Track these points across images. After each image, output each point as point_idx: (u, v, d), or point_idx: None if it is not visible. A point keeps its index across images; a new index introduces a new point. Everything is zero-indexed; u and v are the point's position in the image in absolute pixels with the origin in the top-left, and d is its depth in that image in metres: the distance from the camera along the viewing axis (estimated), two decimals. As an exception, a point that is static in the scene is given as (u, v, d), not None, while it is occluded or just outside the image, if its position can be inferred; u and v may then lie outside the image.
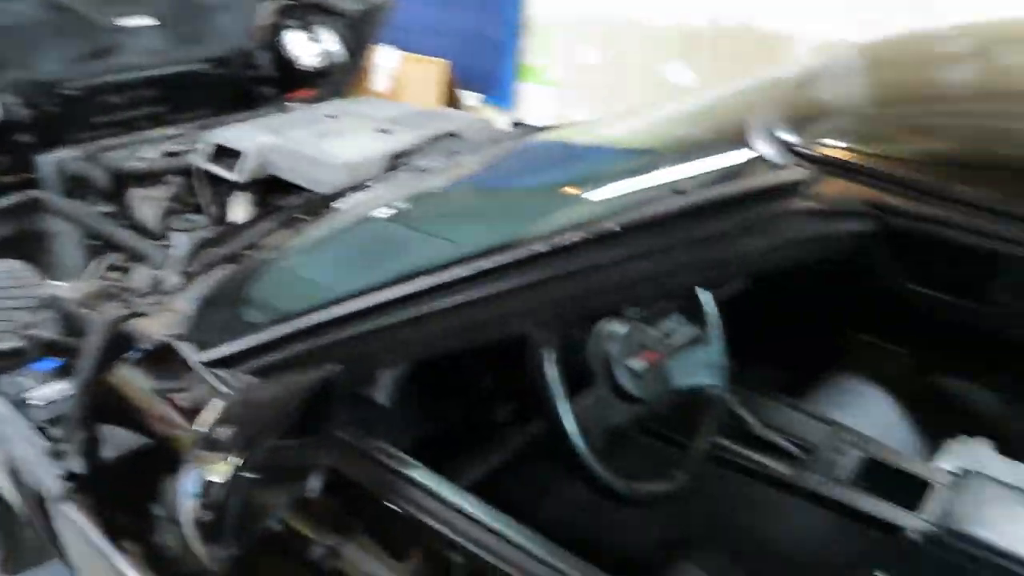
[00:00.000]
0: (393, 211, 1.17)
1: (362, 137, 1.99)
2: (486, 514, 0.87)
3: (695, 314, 1.37)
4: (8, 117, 2.25)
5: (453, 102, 4.39)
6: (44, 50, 2.35)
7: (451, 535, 0.87)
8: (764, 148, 0.82)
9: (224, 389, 1.03)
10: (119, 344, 1.23)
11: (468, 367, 1.32)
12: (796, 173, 0.76)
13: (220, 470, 0.77)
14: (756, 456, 1.52)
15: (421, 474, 0.93)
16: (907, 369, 1.99)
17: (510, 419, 1.35)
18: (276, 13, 2.85)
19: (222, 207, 2.01)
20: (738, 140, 0.85)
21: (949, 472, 1.34)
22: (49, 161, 2.23)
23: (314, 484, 0.92)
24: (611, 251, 0.81)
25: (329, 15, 2.96)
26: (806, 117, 0.85)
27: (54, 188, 2.26)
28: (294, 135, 2.00)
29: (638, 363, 1.21)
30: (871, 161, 0.73)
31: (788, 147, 0.79)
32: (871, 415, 1.74)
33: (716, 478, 1.51)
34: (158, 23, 2.55)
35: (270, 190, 1.99)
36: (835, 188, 0.74)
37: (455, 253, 0.88)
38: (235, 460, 0.77)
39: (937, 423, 1.72)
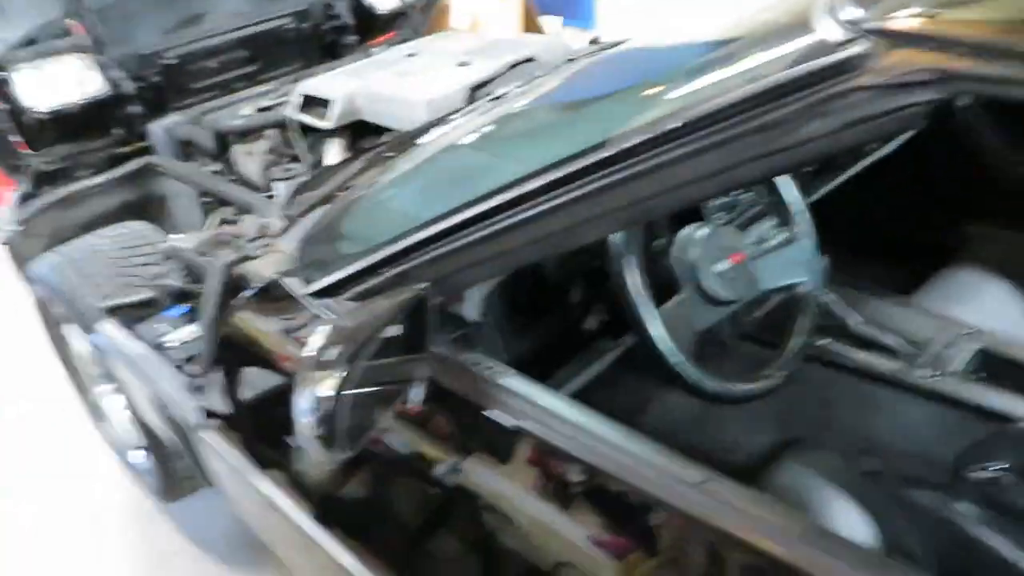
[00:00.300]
0: (470, 137, 1.21)
1: (441, 72, 2.02)
2: (588, 419, 0.91)
3: (782, 212, 1.36)
4: (118, 91, 2.41)
5: (534, 29, 4.34)
6: (141, 24, 2.49)
7: (556, 442, 0.91)
8: (828, 29, 0.80)
9: (327, 315, 1.12)
10: (234, 286, 1.35)
11: (560, 281, 1.37)
12: (859, 48, 0.75)
13: (327, 387, 0.85)
14: (861, 354, 1.50)
15: (517, 382, 0.98)
16: None
17: (604, 329, 1.39)
18: (350, -40, 2.90)
19: (318, 154, 2.11)
20: (804, 26, 0.84)
21: None
22: (158, 128, 2.39)
23: (416, 396, 1.00)
24: (676, 148, 0.82)
25: (398, -45, 2.98)
26: None
27: (166, 152, 2.42)
28: (376, 78, 2.06)
29: (722, 265, 1.22)
30: (934, 27, 0.71)
31: (850, 24, 0.78)
32: (988, 307, 1.68)
33: (821, 378, 1.51)
34: None
35: (360, 133, 2.07)
36: (900, 59, 0.72)
37: (523, 169, 0.92)
38: (339, 376, 0.85)
39: None
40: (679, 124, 0.82)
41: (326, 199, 1.44)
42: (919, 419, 1.42)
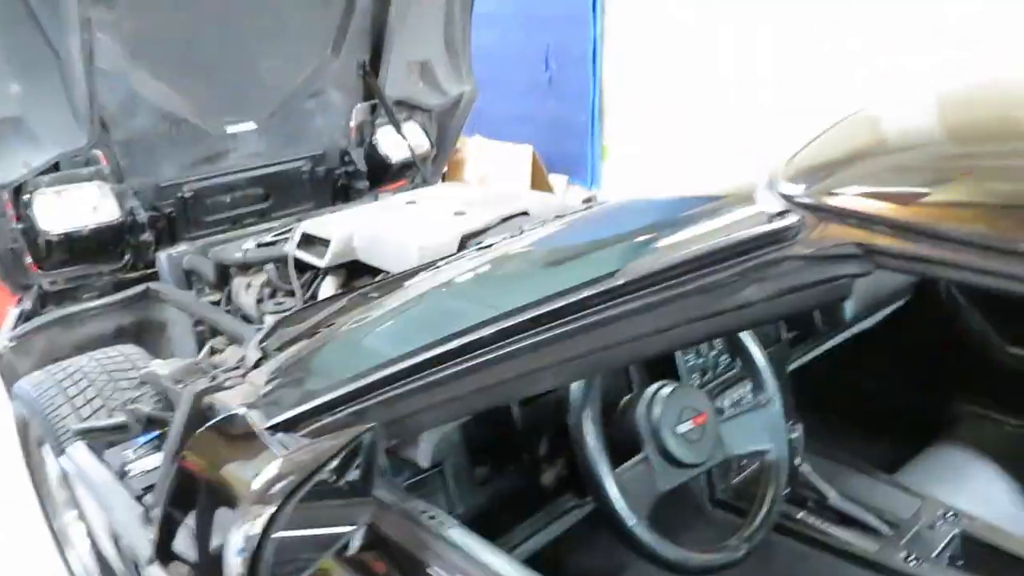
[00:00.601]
0: (439, 284, 1.24)
1: (436, 219, 2.10)
2: None
3: (755, 376, 1.36)
4: (131, 219, 2.51)
5: (543, 185, 4.54)
6: (162, 158, 2.63)
7: None
8: (767, 201, 0.84)
9: (281, 451, 1.10)
10: (201, 416, 1.34)
11: (527, 432, 1.35)
12: (791, 220, 0.78)
13: (256, 524, 0.83)
14: (837, 531, 1.46)
15: (463, 537, 0.95)
16: (1017, 439, 1.87)
17: (568, 486, 1.36)
18: (368, 112, 3.08)
19: (313, 291, 2.16)
20: (748, 198, 0.88)
21: None
22: (164, 256, 2.47)
23: (354, 542, 0.97)
24: (622, 304, 0.84)
25: (415, 110, 3.16)
26: (806, 170, 0.87)
27: (171, 280, 2.49)
28: (373, 221, 2.14)
29: (685, 426, 1.21)
30: (859, 205, 0.74)
31: (786, 198, 0.82)
32: (973, 490, 1.64)
33: (794, 553, 1.46)
34: (261, 127, 2.80)
35: (354, 273, 2.12)
36: (827, 232, 0.75)
37: (477, 317, 0.94)
38: (268, 515, 0.83)
39: None
40: (625, 281, 0.85)
41: (302, 335, 1.46)
42: None
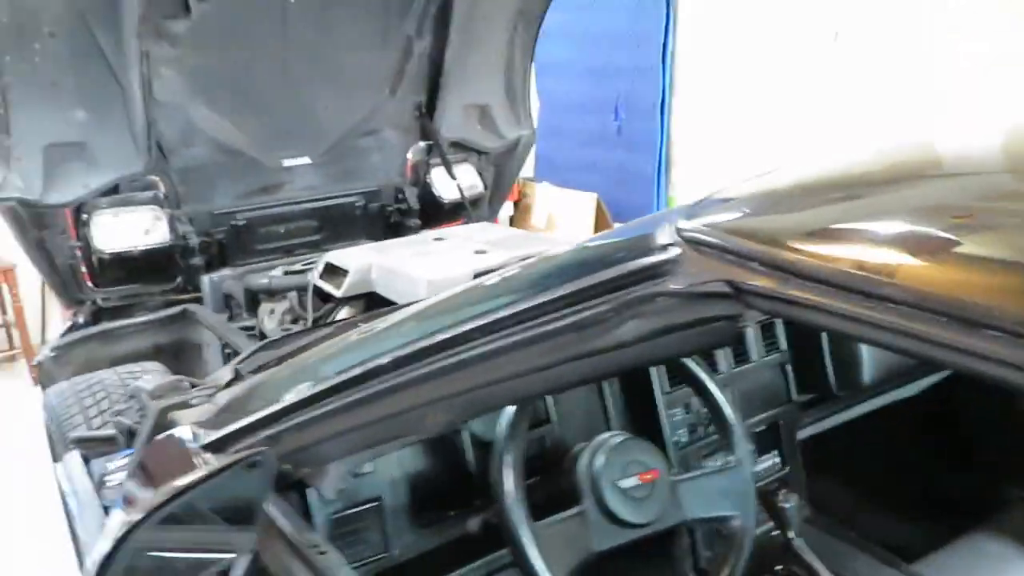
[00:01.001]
0: (394, 319, 1.20)
1: (455, 256, 2.08)
2: None
3: (723, 435, 1.25)
4: (183, 243, 2.61)
5: (606, 229, 4.49)
6: (219, 186, 2.74)
7: None
8: (662, 235, 0.77)
9: (204, 467, 1.08)
10: (163, 430, 1.34)
11: (477, 478, 1.28)
12: (671, 254, 0.70)
13: (109, 539, 0.81)
14: None
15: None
16: None
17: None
18: (423, 151, 3.12)
19: (331, 321, 2.16)
20: (652, 234, 0.81)
21: None
22: (208, 280, 2.55)
23: (236, 571, 0.93)
24: (501, 339, 0.79)
25: (471, 152, 3.18)
26: (703, 204, 0.80)
27: (212, 303, 2.57)
28: (394, 254, 2.14)
29: (630, 482, 1.12)
30: (733, 239, 0.66)
31: (678, 231, 0.74)
32: None
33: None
34: (317, 162, 2.88)
35: (372, 305, 2.12)
36: (700, 268, 0.67)
37: (378, 349, 0.90)
38: (125, 526, 0.81)
39: None
40: (506, 315, 0.80)
41: (273, 361, 1.45)
42: None
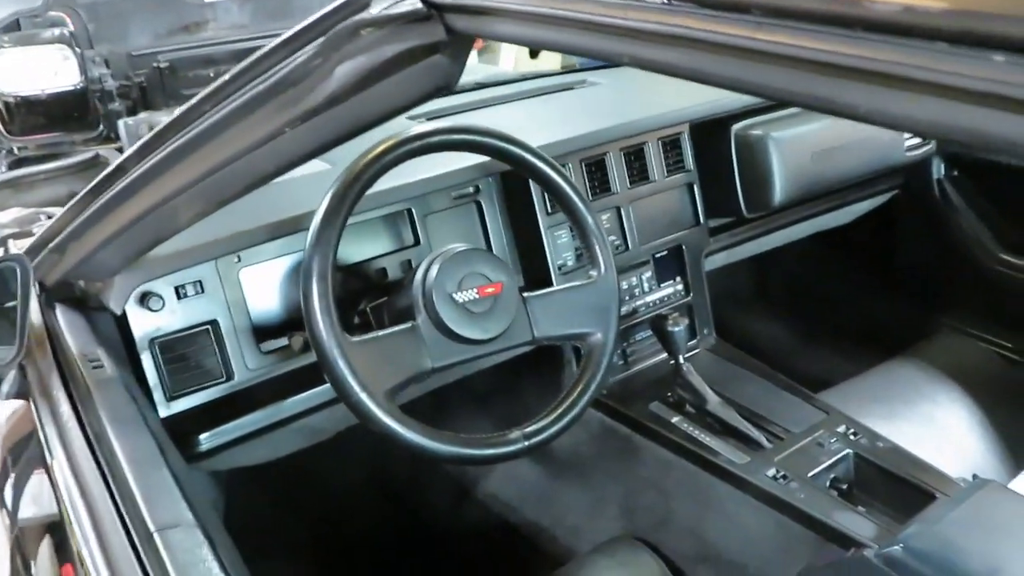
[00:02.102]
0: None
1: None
2: None
3: (587, 248, 1.13)
4: (97, 86, 2.46)
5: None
6: (134, 24, 2.55)
7: None
8: None
9: None
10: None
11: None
12: None
13: None
14: (709, 440, 1.24)
15: (115, 379, 0.83)
16: (996, 364, 1.56)
17: None
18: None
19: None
20: None
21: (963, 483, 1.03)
22: (123, 124, 2.41)
23: (4, 386, 0.86)
24: (219, 113, 0.69)
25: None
26: None
27: (128, 147, 2.44)
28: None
29: (467, 295, 1.01)
30: None
31: None
32: (914, 412, 1.39)
33: (663, 462, 1.26)
34: None
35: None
36: None
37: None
38: None
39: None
40: (225, 79, 0.69)
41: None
42: (759, 529, 1.14)
